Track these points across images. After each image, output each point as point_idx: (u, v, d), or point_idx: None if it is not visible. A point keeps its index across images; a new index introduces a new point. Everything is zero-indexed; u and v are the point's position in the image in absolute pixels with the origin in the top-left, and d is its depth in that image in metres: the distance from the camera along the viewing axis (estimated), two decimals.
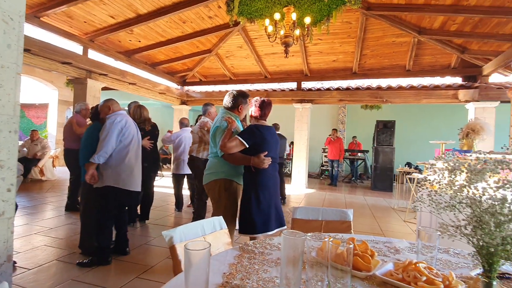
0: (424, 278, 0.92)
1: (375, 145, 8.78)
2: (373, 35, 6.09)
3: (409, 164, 10.00)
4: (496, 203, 0.68)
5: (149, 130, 4.01)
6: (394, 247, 1.36)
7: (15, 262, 2.69)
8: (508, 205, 0.67)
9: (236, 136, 2.27)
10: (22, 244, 3.19)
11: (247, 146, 2.25)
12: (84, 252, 2.97)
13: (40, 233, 3.59)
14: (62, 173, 8.12)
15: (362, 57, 6.94)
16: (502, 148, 0.73)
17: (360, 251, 1.10)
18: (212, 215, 2.65)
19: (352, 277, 0.97)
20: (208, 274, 0.76)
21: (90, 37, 5.87)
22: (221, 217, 1.62)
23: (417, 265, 0.98)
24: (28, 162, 7.11)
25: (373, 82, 7.93)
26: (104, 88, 6.93)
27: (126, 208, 3.24)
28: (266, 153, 2.29)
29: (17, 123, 1.29)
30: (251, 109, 2.45)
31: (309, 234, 0.90)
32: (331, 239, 0.87)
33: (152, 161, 4.11)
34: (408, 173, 6.44)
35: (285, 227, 2.43)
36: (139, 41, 6.44)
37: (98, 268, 2.74)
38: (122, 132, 2.85)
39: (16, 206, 2.41)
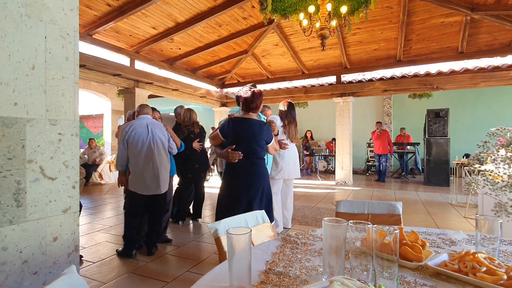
0: (484, 269, 0.84)
1: (427, 137, 8.14)
2: (418, 17, 5.67)
3: (467, 156, 9.11)
4: None
5: (198, 132, 4.16)
6: (449, 238, 1.26)
7: (81, 256, 2.99)
8: None
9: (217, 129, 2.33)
10: (86, 240, 3.55)
11: (222, 138, 2.28)
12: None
13: (101, 231, 3.96)
14: None
15: (406, 42, 6.49)
16: None
17: (409, 241, 1.04)
18: None
19: (400, 267, 0.92)
20: (250, 259, 0.78)
21: (135, 49, 6.32)
22: (263, 211, 1.64)
23: (476, 255, 0.89)
24: (89, 167, 7.86)
25: (421, 69, 7.34)
26: (150, 96, 7.41)
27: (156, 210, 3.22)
28: (234, 146, 2.19)
29: (77, 127, 1.44)
30: None
31: (351, 221, 0.87)
32: (375, 226, 0.83)
33: (202, 163, 4.25)
34: (467, 165, 5.87)
35: None
36: (179, 49, 6.77)
37: (153, 262, 2.94)
38: (125, 137, 2.94)
39: (81, 205, 2.70)
